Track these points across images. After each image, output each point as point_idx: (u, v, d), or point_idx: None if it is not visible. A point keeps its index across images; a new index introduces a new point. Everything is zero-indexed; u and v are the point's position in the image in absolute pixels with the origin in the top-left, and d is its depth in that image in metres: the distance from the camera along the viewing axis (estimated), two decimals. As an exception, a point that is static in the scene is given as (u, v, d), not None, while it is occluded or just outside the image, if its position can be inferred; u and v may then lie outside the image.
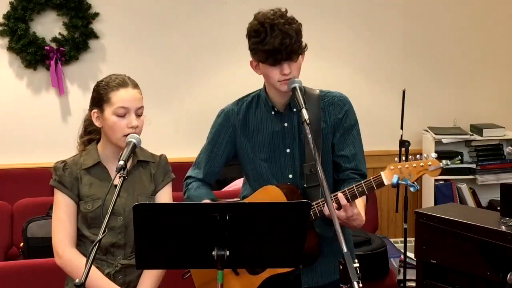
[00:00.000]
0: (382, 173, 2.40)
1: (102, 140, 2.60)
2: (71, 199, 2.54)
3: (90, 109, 2.58)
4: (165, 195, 2.66)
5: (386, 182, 2.39)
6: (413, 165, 2.37)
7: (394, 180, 2.35)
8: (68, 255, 2.51)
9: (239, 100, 2.71)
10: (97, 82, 2.58)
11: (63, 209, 2.54)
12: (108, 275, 2.54)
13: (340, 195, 2.39)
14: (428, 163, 2.36)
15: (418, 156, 2.40)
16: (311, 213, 2.46)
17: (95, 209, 2.50)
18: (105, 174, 2.57)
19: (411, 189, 2.34)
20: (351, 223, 2.42)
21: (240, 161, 2.72)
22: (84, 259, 2.46)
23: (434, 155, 2.39)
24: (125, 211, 2.52)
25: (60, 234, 2.53)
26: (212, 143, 2.70)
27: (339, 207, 2.39)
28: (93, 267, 2.48)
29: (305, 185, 2.55)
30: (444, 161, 2.36)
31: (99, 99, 2.53)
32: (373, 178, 2.41)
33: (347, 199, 2.40)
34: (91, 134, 2.65)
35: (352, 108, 2.63)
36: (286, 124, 2.60)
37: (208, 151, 2.72)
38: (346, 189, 2.43)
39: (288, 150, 2.60)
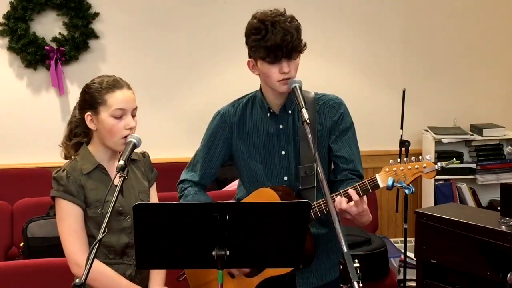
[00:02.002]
0: (377, 176, 2.40)
1: (94, 142, 2.56)
2: (79, 206, 2.50)
3: (82, 112, 2.53)
4: (155, 192, 2.69)
5: (381, 184, 2.38)
6: (408, 167, 2.37)
7: (389, 182, 2.34)
8: None
9: (235, 102, 2.70)
10: (87, 84, 2.54)
11: (73, 218, 2.49)
12: (130, 277, 2.54)
13: (351, 190, 2.38)
14: (423, 165, 2.36)
15: (413, 158, 2.39)
16: (312, 214, 2.45)
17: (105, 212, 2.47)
18: (105, 176, 2.55)
19: (406, 191, 2.34)
20: (360, 219, 2.41)
21: (235, 163, 2.71)
22: (102, 264, 2.48)
23: (429, 157, 2.38)
24: (131, 210, 2.51)
25: (77, 245, 2.49)
26: (208, 145, 2.69)
27: (350, 201, 2.38)
28: (114, 272, 2.50)
29: (300, 187, 2.55)
30: (439, 164, 2.36)
31: (92, 101, 2.49)
32: (368, 181, 2.41)
33: (349, 198, 2.39)
34: (77, 136, 2.59)
35: (347, 110, 2.63)
36: (281, 126, 2.60)
37: (204, 153, 2.70)
38: (341, 191, 2.43)
39: (283, 152, 2.60)
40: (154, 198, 2.68)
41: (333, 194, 2.43)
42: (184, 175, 2.76)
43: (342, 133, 2.60)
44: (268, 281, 2.54)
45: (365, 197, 2.42)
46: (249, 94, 2.70)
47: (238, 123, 2.65)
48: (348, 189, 2.40)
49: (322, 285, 2.62)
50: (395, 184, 2.35)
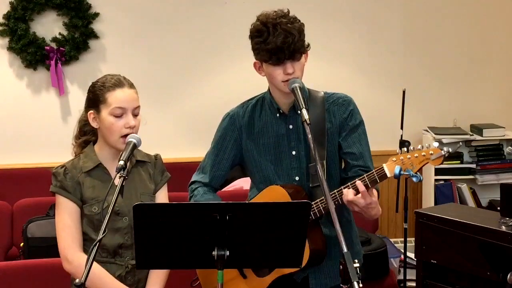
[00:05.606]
0: (384, 165, 2.39)
1: (99, 141, 2.59)
2: (75, 203, 2.52)
3: (86, 110, 2.57)
4: (164, 195, 2.68)
5: (388, 174, 2.38)
6: (415, 155, 2.36)
7: (397, 171, 2.33)
8: (78, 260, 2.48)
9: (244, 103, 2.71)
10: (92, 82, 2.57)
11: (68, 214, 2.52)
12: (119, 277, 2.54)
13: (358, 182, 2.38)
14: (430, 152, 2.35)
15: (419, 146, 2.39)
16: (316, 210, 2.47)
17: (102, 211, 2.48)
18: (106, 176, 2.56)
19: (414, 179, 2.33)
20: (369, 212, 2.40)
21: (246, 164, 2.71)
22: (94, 263, 2.46)
23: (435, 144, 2.38)
24: (130, 211, 2.51)
25: (68, 240, 2.51)
26: (218, 146, 2.69)
27: (358, 194, 2.37)
28: (103, 270, 2.50)
29: (310, 185, 2.55)
30: (445, 148, 2.35)
31: (95, 100, 2.52)
32: (375, 171, 2.41)
33: (356, 190, 2.39)
34: (86, 135, 2.63)
35: (357, 108, 2.65)
36: (291, 126, 2.60)
37: (213, 155, 2.70)
38: (349, 183, 2.42)
39: (293, 152, 2.60)
40: (162, 201, 2.65)
41: (341, 187, 2.44)
42: (194, 177, 2.76)
43: (352, 130, 2.61)
44: (280, 281, 2.54)
45: (375, 191, 2.42)
46: (258, 95, 2.71)
47: (247, 124, 2.65)
48: (355, 181, 2.39)
49: (335, 285, 2.62)
50: (402, 172, 2.33)
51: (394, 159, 2.38)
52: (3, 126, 5.37)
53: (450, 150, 2.37)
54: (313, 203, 2.47)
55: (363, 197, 2.36)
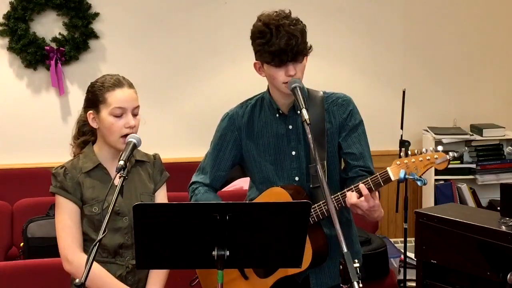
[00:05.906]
0: (388, 169, 2.38)
1: (98, 141, 2.59)
2: (75, 203, 2.52)
3: (85, 110, 2.57)
4: (163, 194, 2.68)
5: (393, 177, 2.36)
6: (420, 159, 2.35)
7: (401, 175, 2.32)
8: (78, 260, 2.48)
9: (243, 103, 2.70)
10: (91, 83, 2.57)
11: (68, 214, 2.52)
12: (120, 277, 2.54)
13: (361, 185, 2.37)
14: (435, 156, 2.33)
15: (424, 150, 2.37)
16: (319, 212, 2.46)
17: (102, 211, 2.48)
18: (106, 176, 2.56)
19: (419, 183, 2.31)
20: (371, 215, 2.39)
21: (245, 165, 2.70)
22: (94, 262, 2.46)
23: (440, 147, 2.37)
24: (130, 211, 2.51)
25: (68, 240, 2.51)
26: (218, 147, 2.69)
27: (361, 197, 2.37)
28: (103, 269, 2.50)
29: (311, 186, 2.55)
30: (451, 153, 2.34)
31: (94, 100, 2.52)
32: (379, 174, 2.39)
33: (359, 193, 2.38)
34: (85, 135, 2.63)
35: (356, 108, 2.64)
36: (290, 127, 2.60)
37: (213, 156, 2.70)
38: (352, 186, 2.42)
39: (293, 153, 2.60)
40: (161, 200, 2.66)
41: (345, 190, 2.43)
42: (194, 178, 2.76)
43: (351, 130, 2.60)
44: (282, 281, 2.54)
45: (377, 193, 2.41)
46: (257, 95, 2.70)
47: (247, 124, 2.65)
48: (359, 184, 2.38)
49: (335, 285, 2.62)
50: (407, 176, 2.32)
51: (398, 162, 2.37)
52: (3, 126, 5.37)
53: (456, 154, 2.35)
54: (315, 205, 2.47)
55: (366, 200, 2.35)
